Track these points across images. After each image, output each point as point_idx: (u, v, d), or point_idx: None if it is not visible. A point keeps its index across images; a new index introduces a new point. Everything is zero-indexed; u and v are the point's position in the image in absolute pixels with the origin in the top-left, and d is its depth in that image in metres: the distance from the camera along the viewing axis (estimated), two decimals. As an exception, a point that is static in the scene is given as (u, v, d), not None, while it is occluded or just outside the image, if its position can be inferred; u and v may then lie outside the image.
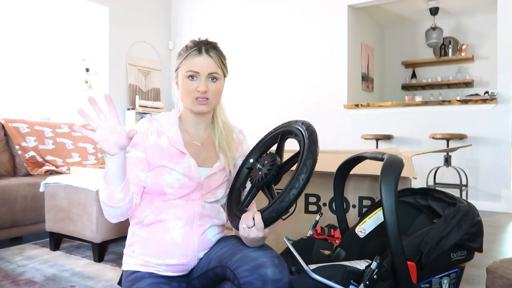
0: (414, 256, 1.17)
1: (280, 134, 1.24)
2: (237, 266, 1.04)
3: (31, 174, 3.16)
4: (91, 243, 2.35)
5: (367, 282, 1.09)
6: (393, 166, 1.13)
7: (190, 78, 1.20)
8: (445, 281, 1.23)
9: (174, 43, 6.48)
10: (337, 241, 1.49)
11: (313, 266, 1.20)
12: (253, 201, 1.28)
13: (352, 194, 1.83)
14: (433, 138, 4.12)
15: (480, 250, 1.26)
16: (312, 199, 1.93)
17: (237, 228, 1.13)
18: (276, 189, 1.15)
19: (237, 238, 1.17)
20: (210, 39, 1.25)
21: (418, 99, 5.43)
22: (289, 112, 5.22)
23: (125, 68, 5.77)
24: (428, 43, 6.01)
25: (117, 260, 2.35)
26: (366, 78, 5.68)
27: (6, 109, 5.68)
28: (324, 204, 1.90)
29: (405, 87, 6.60)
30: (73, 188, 2.39)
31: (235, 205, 1.21)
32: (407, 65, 6.58)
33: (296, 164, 1.07)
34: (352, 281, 1.13)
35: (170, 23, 6.52)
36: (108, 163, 1.05)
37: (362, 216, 1.54)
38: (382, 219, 1.37)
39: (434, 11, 5.81)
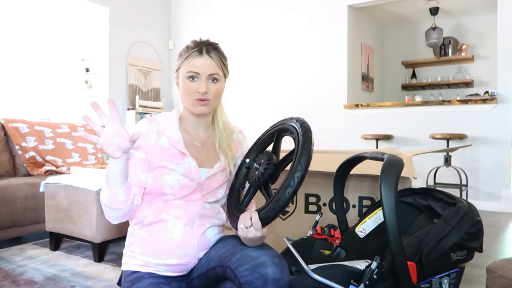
0: (414, 256, 1.17)
1: (276, 132, 1.24)
2: (237, 265, 1.04)
3: (31, 174, 3.16)
4: (91, 243, 2.35)
5: (367, 282, 1.09)
6: (393, 166, 1.13)
7: (190, 78, 1.20)
8: (445, 281, 1.23)
9: (174, 43, 6.48)
10: (337, 241, 1.49)
11: (313, 266, 1.20)
12: (253, 200, 1.28)
13: (352, 194, 1.83)
14: (433, 138, 4.13)
15: (480, 250, 1.26)
16: (312, 199, 1.93)
17: (236, 229, 1.14)
18: (274, 188, 1.15)
19: (237, 237, 1.17)
20: (211, 40, 1.25)
21: (418, 99, 5.43)
22: (289, 112, 5.20)
23: (125, 68, 5.77)
24: (428, 43, 6.01)
25: (117, 260, 2.35)
26: (366, 78, 5.68)
27: (6, 109, 5.68)
28: (324, 204, 1.90)
29: (405, 87, 6.60)
30: (73, 188, 2.39)
31: (234, 206, 1.21)
32: (407, 65, 6.58)
33: (291, 162, 1.07)
34: (352, 281, 1.13)
35: (170, 23, 6.52)
36: (111, 166, 1.06)
37: (362, 216, 1.54)
38: (382, 219, 1.37)
39: (434, 11, 5.81)
